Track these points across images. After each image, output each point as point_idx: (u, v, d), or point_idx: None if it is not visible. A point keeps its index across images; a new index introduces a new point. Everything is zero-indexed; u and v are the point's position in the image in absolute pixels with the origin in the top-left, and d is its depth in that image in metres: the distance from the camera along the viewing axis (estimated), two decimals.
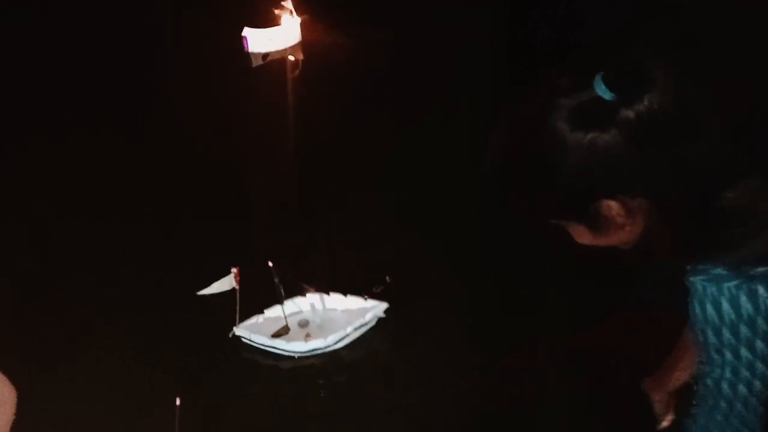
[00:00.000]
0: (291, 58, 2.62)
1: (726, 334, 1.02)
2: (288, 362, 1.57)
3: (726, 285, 0.99)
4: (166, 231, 1.91)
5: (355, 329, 1.59)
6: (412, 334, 1.61)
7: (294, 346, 1.56)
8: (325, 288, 1.68)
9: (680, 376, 1.40)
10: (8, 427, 1.38)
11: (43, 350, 1.47)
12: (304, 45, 2.69)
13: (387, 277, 1.67)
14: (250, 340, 1.56)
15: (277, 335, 1.58)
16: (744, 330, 1.01)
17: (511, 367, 1.51)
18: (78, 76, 2.58)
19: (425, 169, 2.09)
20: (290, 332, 1.59)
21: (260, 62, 2.58)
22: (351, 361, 1.58)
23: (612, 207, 0.90)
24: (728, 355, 1.04)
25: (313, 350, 1.57)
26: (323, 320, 1.64)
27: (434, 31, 2.61)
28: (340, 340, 1.58)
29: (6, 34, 2.71)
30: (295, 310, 1.63)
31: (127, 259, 1.82)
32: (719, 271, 0.99)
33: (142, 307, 1.68)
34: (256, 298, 1.55)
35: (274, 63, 2.60)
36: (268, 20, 2.65)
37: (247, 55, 2.60)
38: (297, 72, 2.58)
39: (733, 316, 1.00)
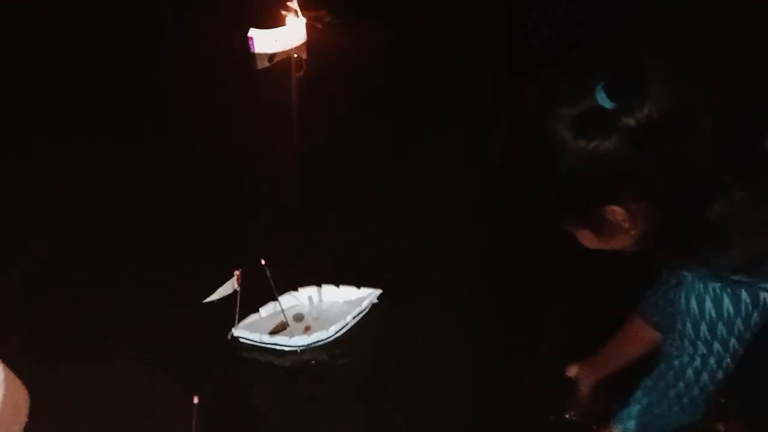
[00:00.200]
0: (296, 56, 2.61)
1: (704, 328, 1.07)
2: (289, 357, 1.57)
3: (712, 284, 1.02)
4: (167, 232, 1.91)
5: (354, 317, 1.61)
6: (412, 334, 1.62)
7: (296, 341, 1.56)
8: (317, 282, 1.68)
9: (617, 363, 1.43)
10: (21, 429, 1.38)
11: (41, 352, 1.46)
12: (309, 45, 2.68)
13: None
14: (250, 340, 1.57)
15: (275, 332, 1.58)
16: (721, 328, 1.05)
17: (511, 367, 1.51)
18: (79, 77, 2.57)
19: (425, 169, 2.10)
20: (288, 327, 1.59)
21: (266, 63, 2.58)
22: (351, 360, 1.57)
23: (616, 212, 0.92)
24: (701, 347, 1.09)
25: (315, 342, 1.57)
26: (319, 312, 1.64)
27: (438, 31, 2.61)
28: (340, 329, 1.59)
29: (6, 34, 2.71)
30: (289, 305, 1.63)
31: (127, 259, 1.82)
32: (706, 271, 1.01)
33: (141, 308, 1.68)
34: (251, 298, 1.55)
35: (279, 63, 2.59)
36: (272, 21, 2.64)
37: (253, 56, 2.59)
38: (302, 72, 2.58)
39: (713, 314, 1.04)
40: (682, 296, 1.07)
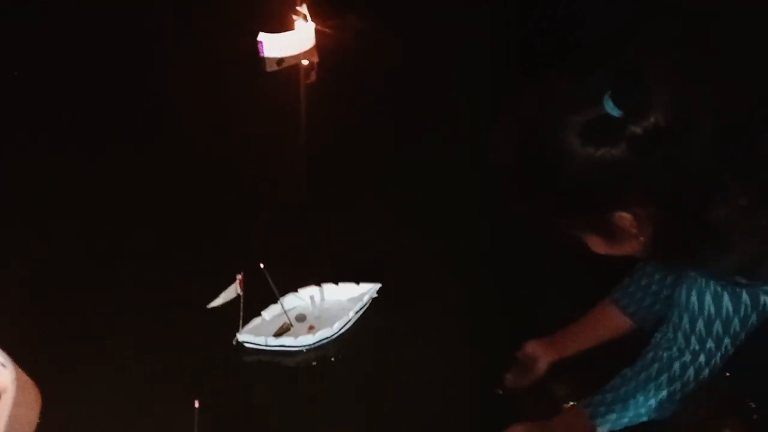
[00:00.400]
0: (305, 62, 2.61)
1: (700, 324, 1.08)
2: (292, 358, 1.57)
3: (713, 282, 1.03)
4: (167, 232, 1.91)
5: (356, 313, 1.62)
6: (411, 333, 1.62)
7: (302, 340, 1.56)
8: (317, 281, 1.68)
9: (582, 345, 1.45)
10: (33, 430, 1.38)
11: (40, 353, 1.46)
12: (318, 49, 2.68)
13: None
14: (255, 344, 1.56)
15: (279, 334, 1.58)
16: (718, 326, 1.07)
17: (511, 367, 1.51)
18: (81, 78, 2.58)
19: (425, 170, 2.10)
20: (292, 328, 1.59)
21: (275, 67, 2.58)
22: (351, 359, 1.57)
23: (624, 218, 0.94)
24: (693, 343, 1.10)
25: (320, 340, 1.58)
26: (321, 311, 1.65)
27: (444, 33, 2.61)
28: (344, 325, 1.60)
29: (6, 35, 2.72)
30: (291, 306, 1.63)
31: (127, 259, 1.82)
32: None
33: (141, 308, 1.68)
34: (252, 301, 1.55)
35: (287, 67, 2.60)
36: (281, 25, 2.65)
37: (262, 60, 2.59)
38: (310, 76, 2.58)
39: (712, 311, 1.06)
40: (683, 290, 1.08)
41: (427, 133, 2.25)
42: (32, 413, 1.39)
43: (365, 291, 1.66)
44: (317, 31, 2.69)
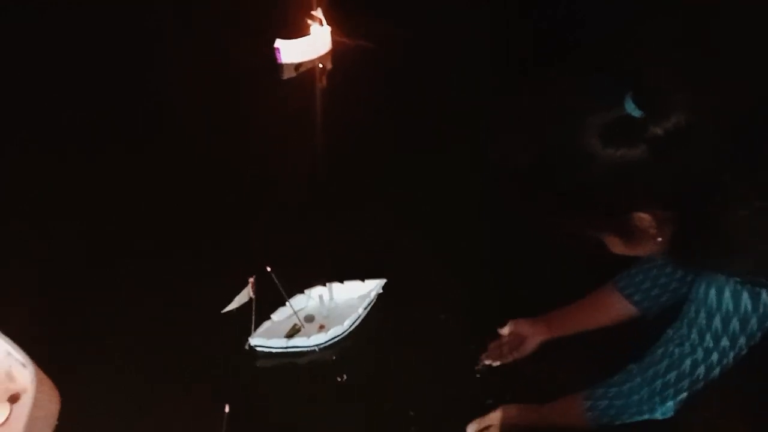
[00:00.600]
0: (320, 66, 2.62)
1: (717, 321, 1.06)
2: (302, 359, 1.57)
3: (734, 278, 1.02)
4: (168, 232, 1.91)
5: (365, 309, 1.63)
6: (412, 333, 1.62)
7: (314, 340, 1.57)
8: (323, 281, 1.68)
9: (578, 327, 1.44)
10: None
11: (43, 355, 1.46)
12: (333, 54, 2.69)
13: None
14: (268, 347, 1.56)
15: (290, 335, 1.58)
16: (735, 323, 1.05)
17: (511, 368, 1.51)
18: (84, 79, 2.58)
19: (426, 170, 2.10)
20: (303, 329, 1.60)
21: (293, 73, 2.59)
22: (351, 360, 1.58)
23: (644, 219, 0.94)
24: (708, 340, 1.08)
25: (333, 338, 1.58)
26: (329, 310, 1.65)
27: (456, 37, 2.61)
28: (354, 322, 1.61)
29: (6, 35, 2.72)
30: (298, 307, 1.63)
31: (127, 259, 1.82)
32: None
33: (141, 309, 1.68)
34: (260, 304, 1.54)
35: (304, 73, 2.60)
36: (297, 30, 2.65)
37: (280, 66, 2.59)
38: (326, 80, 2.59)
39: (730, 307, 1.04)
40: (702, 285, 1.06)
41: (428, 134, 2.25)
42: (51, 416, 1.39)
43: (372, 287, 1.67)
44: (333, 36, 2.69)
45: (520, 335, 1.50)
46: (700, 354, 1.09)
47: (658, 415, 1.19)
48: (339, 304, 1.67)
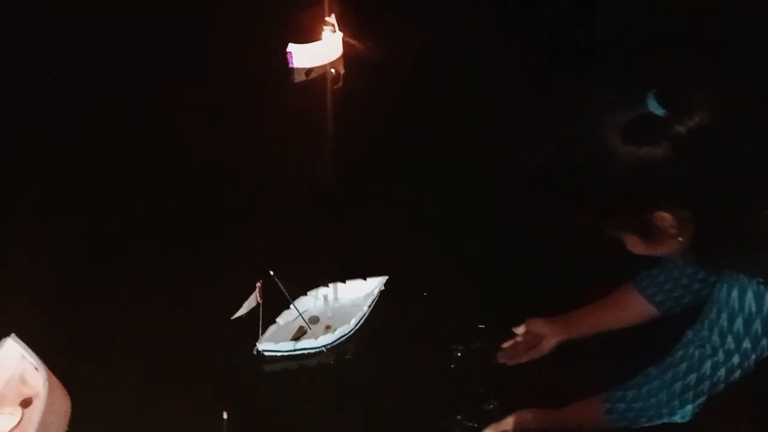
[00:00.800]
0: (332, 71, 2.62)
1: (739, 322, 1.04)
2: (314, 359, 1.57)
3: (756, 279, 1.01)
4: (168, 232, 1.91)
5: (369, 306, 1.64)
6: (417, 335, 1.61)
7: (322, 341, 1.57)
8: (325, 282, 1.68)
9: (597, 328, 1.42)
10: None
11: (42, 355, 1.45)
12: (345, 59, 2.69)
13: None
14: (276, 351, 1.56)
15: (297, 338, 1.58)
16: (757, 325, 1.03)
17: (511, 369, 1.51)
18: (84, 79, 2.58)
19: (433, 174, 2.10)
20: (309, 331, 1.60)
21: (303, 77, 2.59)
22: (352, 360, 1.57)
23: (665, 218, 0.93)
24: (729, 342, 1.06)
25: (340, 338, 1.59)
26: (334, 310, 1.65)
27: (470, 43, 2.61)
28: (360, 320, 1.61)
29: (6, 34, 2.72)
30: (302, 309, 1.63)
31: (127, 259, 1.82)
32: None
33: (140, 309, 1.68)
34: (263, 308, 1.54)
35: (315, 77, 2.61)
36: (310, 35, 2.66)
37: (291, 71, 2.60)
38: (337, 85, 2.59)
39: (753, 308, 1.02)
40: (724, 286, 1.04)
41: (436, 138, 2.25)
42: (62, 421, 1.39)
43: (374, 285, 1.67)
44: (345, 41, 2.69)
45: (536, 335, 1.48)
46: (720, 356, 1.07)
47: (677, 419, 1.17)
48: (343, 303, 1.67)
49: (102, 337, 1.61)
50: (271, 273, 1.49)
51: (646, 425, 1.21)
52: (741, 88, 0.90)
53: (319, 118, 2.42)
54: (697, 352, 1.11)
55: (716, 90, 0.87)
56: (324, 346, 1.58)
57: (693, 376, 1.11)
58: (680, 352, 1.14)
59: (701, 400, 1.13)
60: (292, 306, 1.59)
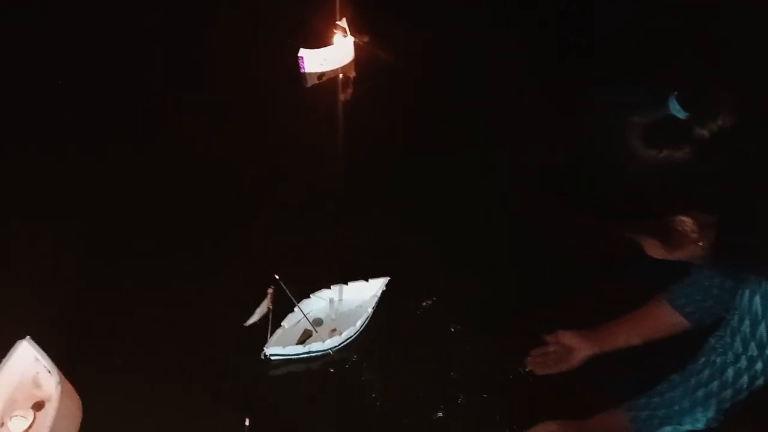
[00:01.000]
0: (341, 76, 2.63)
1: (762, 329, 1.03)
2: (317, 361, 1.57)
3: None
4: (170, 234, 1.91)
5: (373, 308, 1.64)
6: (418, 336, 1.61)
7: (329, 343, 1.57)
8: (327, 284, 1.68)
9: (628, 341, 1.41)
10: None
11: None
12: (356, 63, 2.69)
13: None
14: (284, 355, 1.56)
15: (302, 341, 1.58)
16: None
17: (512, 370, 1.51)
18: (84, 79, 2.58)
19: (434, 175, 2.10)
20: (315, 334, 1.60)
21: (315, 82, 2.60)
22: (352, 360, 1.57)
23: (686, 222, 0.91)
24: (752, 348, 1.05)
25: (347, 339, 1.59)
26: (338, 313, 1.65)
27: (479, 47, 2.61)
28: (365, 321, 1.62)
29: (6, 34, 2.72)
30: (306, 312, 1.62)
31: (128, 259, 1.82)
32: None
33: (140, 308, 1.68)
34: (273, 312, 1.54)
35: (326, 82, 2.61)
36: (321, 39, 2.66)
37: (303, 75, 2.60)
38: (347, 90, 2.59)
39: None
40: (745, 293, 1.03)
41: (438, 140, 2.25)
42: (73, 427, 1.38)
43: (377, 285, 1.68)
44: (356, 45, 2.69)
45: (566, 347, 1.48)
46: (743, 363, 1.06)
47: (701, 426, 1.16)
48: (347, 305, 1.67)
49: (99, 336, 1.61)
50: (276, 277, 1.48)
51: None
52: (764, 90, 0.89)
53: (324, 121, 2.42)
54: (719, 359, 1.10)
55: (739, 92, 0.85)
56: (331, 348, 1.58)
57: (716, 384, 1.10)
58: (703, 360, 1.13)
59: (725, 407, 1.12)
60: (296, 309, 1.59)
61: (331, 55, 2.63)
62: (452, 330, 1.61)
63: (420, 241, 1.84)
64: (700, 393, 1.12)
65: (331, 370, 1.55)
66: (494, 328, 1.59)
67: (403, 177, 2.11)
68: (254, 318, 1.48)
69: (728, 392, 1.10)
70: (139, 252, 1.83)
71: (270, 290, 1.47)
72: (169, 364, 1.54)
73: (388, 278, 1.68)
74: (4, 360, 1.38)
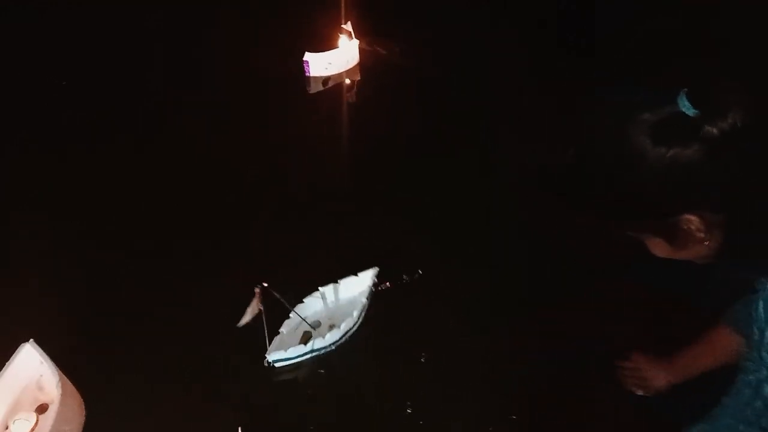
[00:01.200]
0: (347, 81, 2.63)
1: None
2: (318, 361, 1.57)
3: None
4: (170, 234, 1.91)
5: (366, 298, 1.66)
6: (417, 335, 1.61)
7: (330, 338, 1.57)
8: (318, 286, 1.68)
9: (703, 369, 1.41)
10: None
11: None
12: (361, 67, 2.69)
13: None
14: (287, 359, 1.55)
15: (304, 343, 1.58)
16: None
17: (512, 370, 1.51)
18: (84, 79, 2.58)
19: (435, 176, 2.10)
20: (314, 335, 1.60)
21: (320, 86, 2.59)
22: (352, 360, 1.57)
23: (692, 221, 0.89)
24: None
25: (347, 332, 1.60)
26: (333, 311, 1.66)
27: (486, 50, 2.61)
28: (361, 312, 1.63)
29: (6, 34, 2.72)
30: (303, 315, 1.62)
31: (128, 259, 1.82)
32: None
33: (140, 308, 1.68)
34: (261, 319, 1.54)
35: (332, 86, 2.61)
36: (326, 43, 2.66)
37: (308, 79, 2.60)
38: (351, 94, 2.59)
39: None
40: (760, 304, 1.01)
41: (438, 139, 2.25)
42: (76, 431, 1.38)
43: (366, 277, 1.69)
44: (361, 49, 2.69)
45: (643, 371, 1.48)
46: None
47: None
48: (341, 301, 1.68)
49: (99, 335, 1.60)
50: (265, 285, 1.47)
51: None
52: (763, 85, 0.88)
53: (325, 122, 2.43)
54: (752, 378, 1.08)
55: (748, 90, 0.84)
56: (333, 343, 1.58)
57: (759, 403, 1.07)
58: (740, 377, 1.10)
59: None
60: (292, 314, 1.59)
61: (337, 59, 2.62)
62: (452, 330, 1.61)
63: (420, 241, 1.84)
64: (749, 413, 1.10)
65: (332, 371, 1.55)
66: (494, 328, 1.59)
67: (403, 177, 2.11)
68: (246, 318, 1.48)
69: None
70: (139, 252, 1.83)
71: (257, 290, 1.46)
72: (169, 364, 1.54)
73: (377, 269, 1.69)
74: (7, 363, 1.38)
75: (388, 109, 2.41)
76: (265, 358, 1.55)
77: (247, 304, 1.52)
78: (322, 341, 1.56)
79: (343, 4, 2.71)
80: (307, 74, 2.61)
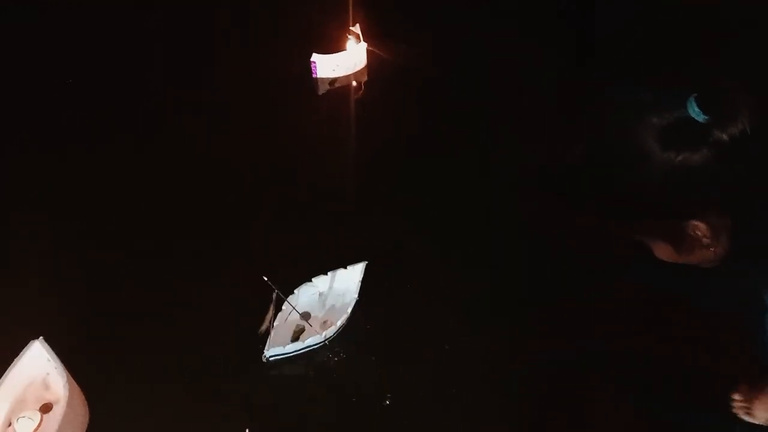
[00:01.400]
0: (354, 83, 2.63)
1: None
2: (318, 362, 1.58)
3: None
4: (169, 234, 1.91)
5: (357, 290, 1.68)
6: (417, 335, 1.61)
7: (325, 333, 1.58)
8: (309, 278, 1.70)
9: None
10: None
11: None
12: (369, 69, 2.69)
13: None
14: (284, 353, 1.56)
15: (296, 337, 1.59)
16: None
17: (512, 371, 1.51)
18: (84, 79, 2.58)
19: (435, 177, 2.10)
20: (306, 328, 1.61)
21: (327, 88, 2.59)
22: (352, 360, 1.57)
23: (699, 227, 0.89)
24: None
25: (342, 326, 1.61)
26: (325, 303, 1.68)
27: (489, 53, 2.61)
28: (353, 304, 1.65)
29: (6, 34, 2.72)
30: (294, 305, 1.63)
31: (128, 259, 1.82)
32: None
33: (139, 307, 1.68)
34: (260, 314, 1.54)
35: (338, 88, 2.61)
36: (334, 45, 2.66)
37: (315, 81, 2.59)
38: (358, 95, 2.59)
39: None
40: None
41: (438, 139, 2.25)
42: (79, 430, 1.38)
43: (356, 270, 1.71)
44: (368, 51, 2.68)
45: (754, 403, 1.47)
46: None
47: None
48: (333, 293, 1.70)
49: (108, 338, 1.60)
50: (265, 278, 1.48)
51: None
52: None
53: (326, 122, 2.43)
54: None
55: (759, 96, 0.84)
56: (327, 338, 1.59)
57: None
58: None
59: None
60: (284, 306, 1.59)
61: (344, 61, 2.62)
62: (452, 330, 1.61)
63: (420, 241, 1.84)
64: None
65: (331, 371, 1.55)
66: (494, 328, 1.59)
67: (403, 177, 2.11)
68: (265, 325, 1.50)
69: None
70: (139, 252, 1.83)
71: (273, 295, 1.49)
72: (170, 364, 1.54)
73: (366, 262, 1.70)
74: (15, 359, 1.38)
75: (391, 111, 2.42)
76: (263, 353, 1.56)
77: (247, 303, 1.52)
78: (318, 338, 1.58)
79: (351, 6, 2.71)
80: (314, 75, 2.60)
